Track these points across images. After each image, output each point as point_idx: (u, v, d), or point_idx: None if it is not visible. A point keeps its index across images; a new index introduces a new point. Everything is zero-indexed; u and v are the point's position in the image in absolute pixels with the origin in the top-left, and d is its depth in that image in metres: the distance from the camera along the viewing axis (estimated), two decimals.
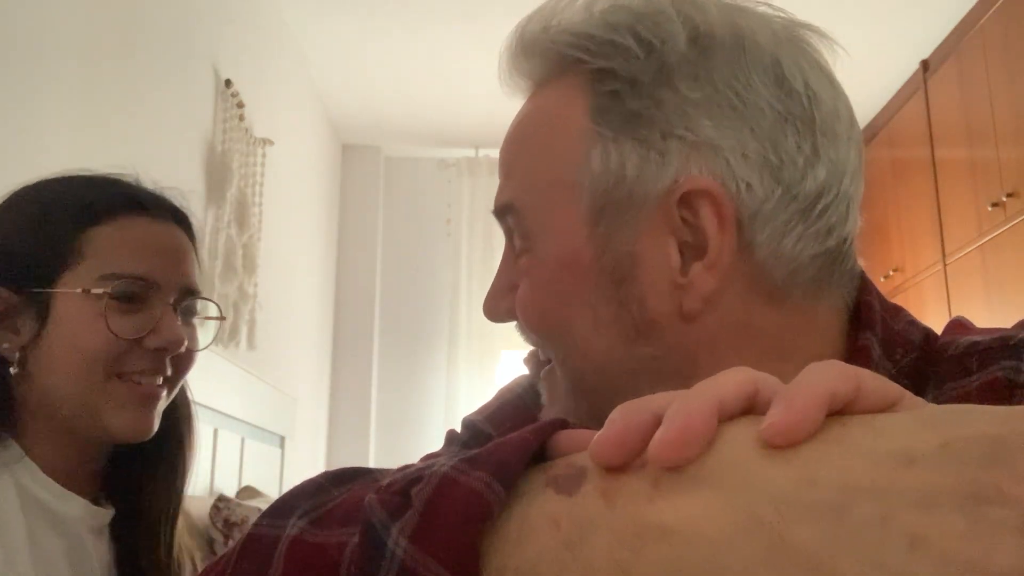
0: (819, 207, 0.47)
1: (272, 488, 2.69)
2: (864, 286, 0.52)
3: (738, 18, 0.49)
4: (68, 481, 0.78)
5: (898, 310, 0.52)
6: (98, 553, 0.80)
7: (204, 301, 0.89)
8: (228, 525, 1.80)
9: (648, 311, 0.48)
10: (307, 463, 3.37)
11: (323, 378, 3.77)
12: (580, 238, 0.49)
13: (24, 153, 1.37)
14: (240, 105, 2.41)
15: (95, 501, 0.81)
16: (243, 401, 2.44)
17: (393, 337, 4.03)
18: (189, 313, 0.86)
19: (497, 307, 0.55)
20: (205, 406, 2.10)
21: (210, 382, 2.12)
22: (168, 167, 1.95)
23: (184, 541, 0.89)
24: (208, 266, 2.19)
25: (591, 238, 0.49)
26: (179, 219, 0.86)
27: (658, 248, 0.48)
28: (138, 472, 0.85)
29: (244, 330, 2.40)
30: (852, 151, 0.49)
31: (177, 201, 0.87)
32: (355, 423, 3.86)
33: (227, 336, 2.30)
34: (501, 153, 0.55)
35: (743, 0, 0.51)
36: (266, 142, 2.60)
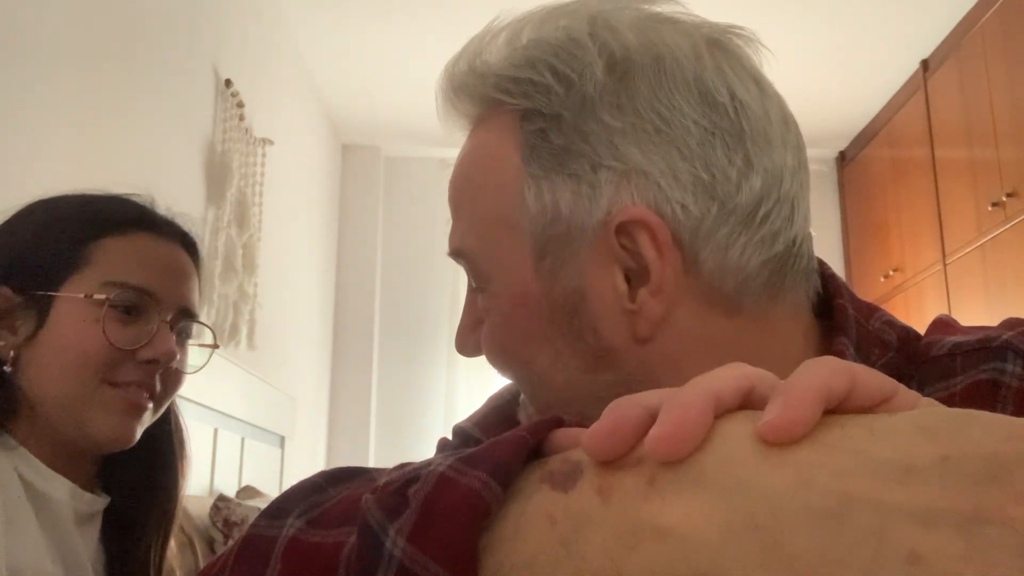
0: (760, 215, 0.47)
1: (272, 488, 2.69)
2: (836, 289, 0.52)
3: (655, 36, 0.49)
4: (56, 468, 0.79)
5: (872, 310, 0.52)
6: (85, 541, 0.80)
7: (200, 326, 0.90)
8: (228, 525, 1.80)
9: (603, 339, 0.48)
10: (307, 463, 3.37)
11: (323, 378, 3.77)
12: (528, 276, 0.50)
13: (24, 152, 1.37)
14: (240, 105, 2.40)
15: (85, 489, 0.81)
16: (243, 401, 2.44)
17: (393, 337, 4.03)
18: (184, 335, 0.87)
19: (466, 343, 0.55)
20: (205, 406, 2.10)
21: (210, 382, 2.12)
22: (168, 167, 1.95)
23: (176, 559, 0.90)
24: (208, 266, 2.19)
25: (538, 275, 0.49)
26: (187, 244, 0.88)
27: (604, 278, 0.48)
28: (132, 476, 0.86)
29: (244, 330, 2.40)
30: (788, 152, 0.49)
31: (187, 227, 0.89)
32: (355, 423, 3.86)
33: (227, 336, 2.30)
34: (448, 194, 0.55)
35: (661, 7, 0.51)
36: (266, 142, 2.60)
